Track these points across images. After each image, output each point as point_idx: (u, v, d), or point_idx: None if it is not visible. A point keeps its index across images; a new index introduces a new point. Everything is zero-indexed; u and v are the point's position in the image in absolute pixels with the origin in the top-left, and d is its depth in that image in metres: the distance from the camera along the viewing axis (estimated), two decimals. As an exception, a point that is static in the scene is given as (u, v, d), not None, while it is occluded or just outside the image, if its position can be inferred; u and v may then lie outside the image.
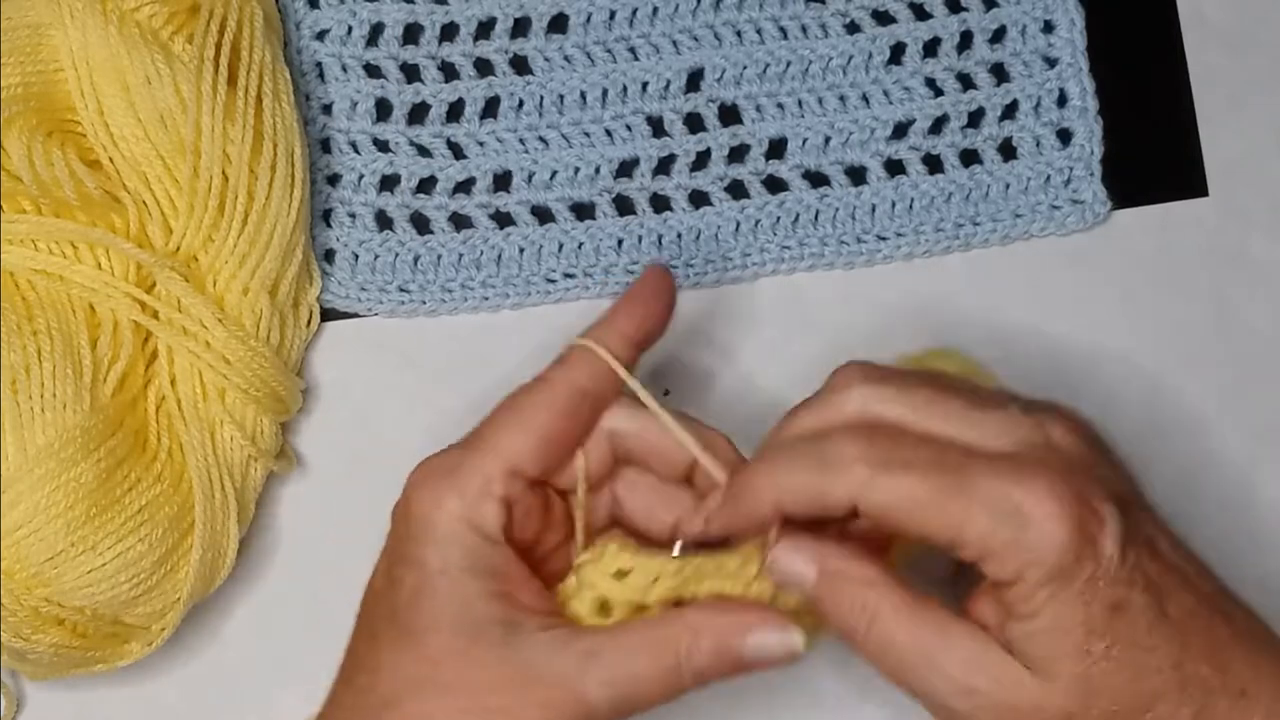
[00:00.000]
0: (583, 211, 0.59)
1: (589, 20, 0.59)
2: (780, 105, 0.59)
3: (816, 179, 0.59)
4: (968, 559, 0.43)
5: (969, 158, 0.59)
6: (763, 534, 0.45)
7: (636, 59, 0.59)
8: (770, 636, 0.45)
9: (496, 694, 0.44)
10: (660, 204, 0.59)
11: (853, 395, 0.44)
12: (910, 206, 0.59)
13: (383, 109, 0.59)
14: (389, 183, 0.59)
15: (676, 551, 0.46)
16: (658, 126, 0.59)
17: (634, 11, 0.59)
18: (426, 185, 0.59)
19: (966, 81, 0.59)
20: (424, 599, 0.45)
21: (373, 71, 0.59)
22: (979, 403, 0.44)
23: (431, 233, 0.58)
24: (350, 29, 0.59)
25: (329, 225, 0.58)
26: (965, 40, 0.59)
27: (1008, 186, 0.59)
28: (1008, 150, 0.59)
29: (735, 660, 0.45)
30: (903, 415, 0.44)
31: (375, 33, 0.59)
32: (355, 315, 0.59)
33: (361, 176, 0.58)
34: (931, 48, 0.59)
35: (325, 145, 0.59)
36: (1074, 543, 0.42)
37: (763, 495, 0.45)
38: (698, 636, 0.45)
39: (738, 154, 0.59)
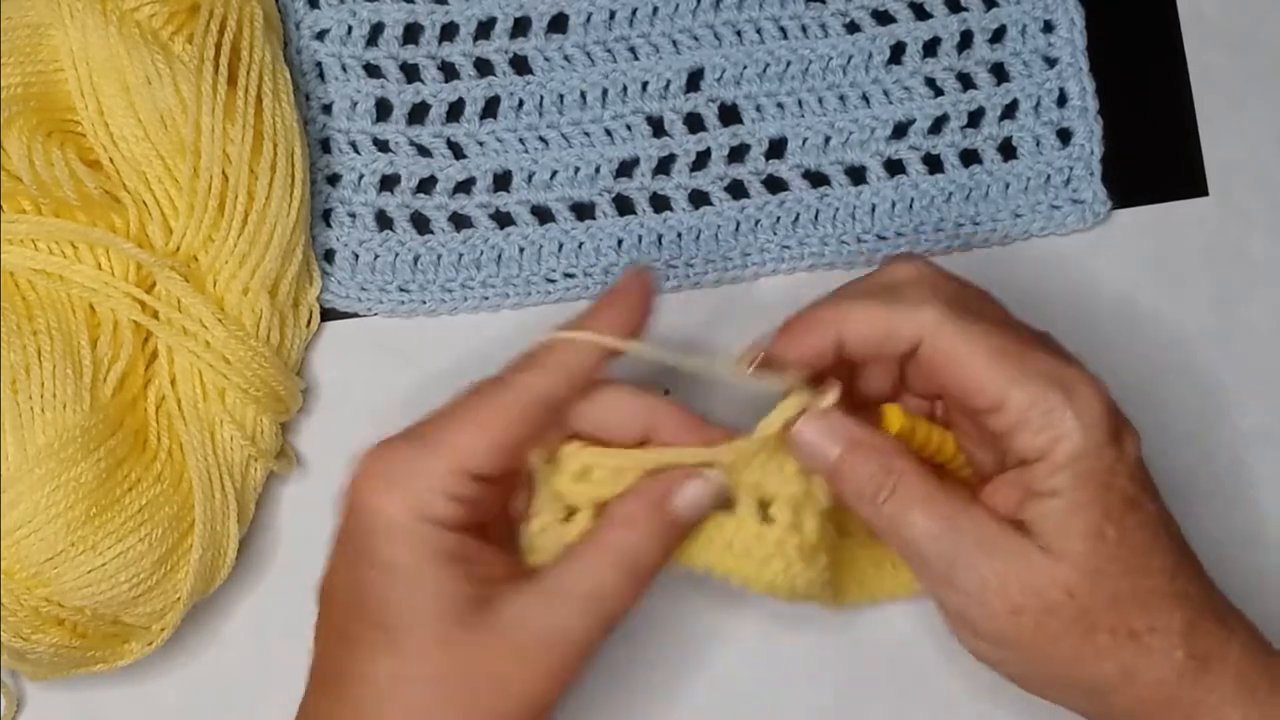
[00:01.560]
0: (583, 211, 0.59)
1: (589, 20, 0.59)
2: (780, 105, 0.59)
3: (816, 179, 0.59)
4: (1002, 426, 0.45)
5: (969, 157, 0.59)
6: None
7: (636, 59, 0.59)
8: (693, 486, 0.46)
9: (484, 667, 0.44)
10: (660, 204, 0.59)
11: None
12: (910, 206, 0.59)
13: (383, 109, 0.59)
14: (389, 183, 0.59)
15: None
16: (658, 126, 0.59)
17: (634, 11, 0.59)
18: (426, 185, 0.59)
19: (966, 81, 0.59)
20: (396, 595, 0.44)
21: (373, 71, 0.59)
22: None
23: (431, 233, 0.58)
24: (350, 29, 0.59)
25: (329, 225, 0.58)
26: (965, 40, 0.59)
27: (1008, 186, 0.59)
28: (1008, 150, 0.59)
29: (675, 523, 0.46)
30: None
31: (375, 33, 0.59)
32: (355, 315, 0.59)
33: (361, 176, 0.58)
34: (931, 47, 0.59)
35: (325, 145, 0.59)
36: (1109, 427, 0.45)
37: (827, 324, 0.46)
38: (633, 526, 0.46)
39: (738, 154, 0.59)
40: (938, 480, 0.46)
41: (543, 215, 0.59)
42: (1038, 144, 0.59)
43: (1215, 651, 0.45)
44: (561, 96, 0.59)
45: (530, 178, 0.59)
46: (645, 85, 0.59)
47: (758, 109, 0.59)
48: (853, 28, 0.59)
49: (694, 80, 0.59)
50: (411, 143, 0.59)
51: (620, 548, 0.45)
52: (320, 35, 0.59)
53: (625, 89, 0.59)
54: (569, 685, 0.45)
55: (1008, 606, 0.45)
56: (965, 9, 0.59)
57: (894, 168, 0.59)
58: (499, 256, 0.58)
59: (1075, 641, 0.45)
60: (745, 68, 0.59)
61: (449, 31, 0.59)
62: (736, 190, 0.59)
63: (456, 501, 0.45)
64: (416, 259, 0.58)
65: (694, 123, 0.59)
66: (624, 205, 0.59)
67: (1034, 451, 0.45)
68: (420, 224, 0.59)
